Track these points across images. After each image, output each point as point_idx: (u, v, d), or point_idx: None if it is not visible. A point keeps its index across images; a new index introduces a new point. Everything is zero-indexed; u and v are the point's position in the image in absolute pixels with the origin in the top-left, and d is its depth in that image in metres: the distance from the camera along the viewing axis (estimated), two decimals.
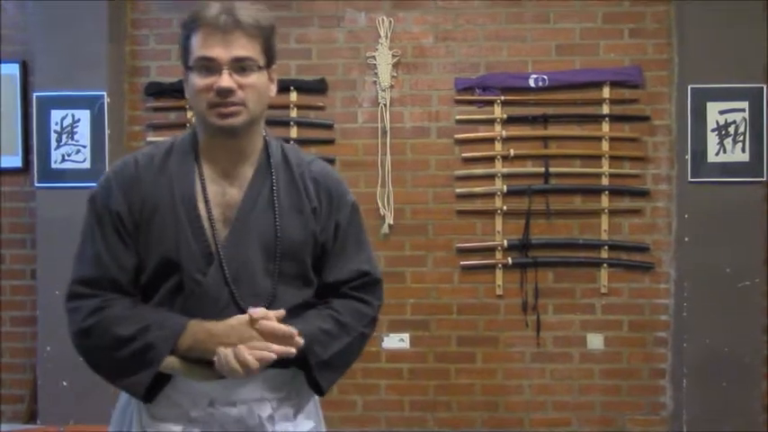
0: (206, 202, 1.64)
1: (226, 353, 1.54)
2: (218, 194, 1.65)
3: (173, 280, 1.62)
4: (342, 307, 1.72)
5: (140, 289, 1.65)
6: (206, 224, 1.62)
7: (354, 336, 1.72)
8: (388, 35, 3.89)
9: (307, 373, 1.68)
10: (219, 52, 1.57)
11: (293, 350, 1.56)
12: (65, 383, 3.73)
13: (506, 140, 3.87)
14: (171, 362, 1.60)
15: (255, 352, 1.54)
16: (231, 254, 1.62)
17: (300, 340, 1.58)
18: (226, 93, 1.57)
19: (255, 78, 1.61)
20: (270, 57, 1.66)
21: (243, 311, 1.60)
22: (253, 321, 1.57)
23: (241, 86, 1.59)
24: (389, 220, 3.85)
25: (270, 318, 1.57)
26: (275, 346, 1.55)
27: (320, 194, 1.72)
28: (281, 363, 1.59)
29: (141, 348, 1.57)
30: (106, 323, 1.59)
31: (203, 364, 1.60)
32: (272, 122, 3.86)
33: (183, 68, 1.66)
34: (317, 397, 1.79)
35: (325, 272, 1.73)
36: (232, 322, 1.58)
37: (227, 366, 1.55)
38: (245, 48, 1.59)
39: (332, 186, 1.75)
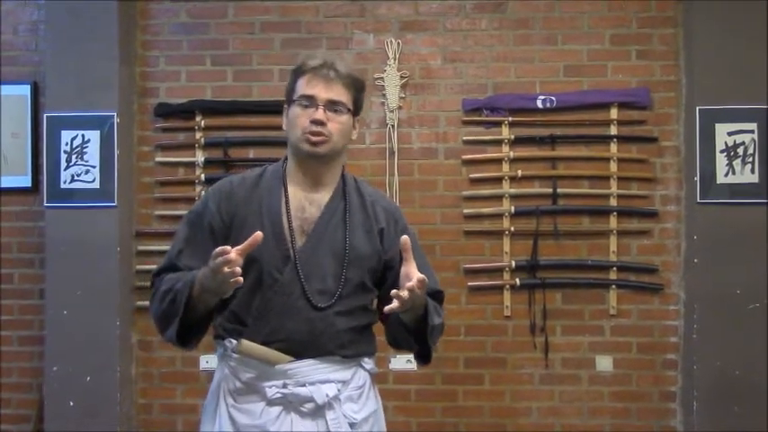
0: (288, 215, 2.00)
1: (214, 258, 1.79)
2: (299, 210, 2.01)
3: (253, 276, 1.94)
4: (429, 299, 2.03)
5: None
6: (286, 233, 1.98)
7: (441, 321, 2.04)
8: (397, 56, 3.91)
9: (417, 339, 2.02)
10: (319, 92, 1.98)
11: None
12: (71, 403, 3.73)
13: (514, 161, 3.87)
14: (249, 347, 1.93)
15: None
16: (305, 258, 1.97)
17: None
18: (318, 123, 1.96)
19: (344, 119, 2.01)
20: (357, 107, 2.07)
21: (312, 304, 1.95)
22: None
23: (331, 121, 1.97)
24: None
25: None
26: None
27: (389, 220, 2.10)
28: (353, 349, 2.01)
29: (172, 297, 1.91)
30: (160, 289, 1.97)
31: (280, 348, 1.93)
32: (283, 143, 3.85)
33: (285, 105, 2.06)
34: (377, 388, 2.14)
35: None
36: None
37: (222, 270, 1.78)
38: (339, 94, 1.99)
39: (398, 217, 2.14)
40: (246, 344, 1.93)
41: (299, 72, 2.03)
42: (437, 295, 2.11)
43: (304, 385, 1.94)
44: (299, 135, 1.99)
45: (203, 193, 2.11)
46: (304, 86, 1.99)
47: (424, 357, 2.10)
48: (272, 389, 1.94)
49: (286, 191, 2.03)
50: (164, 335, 1.97)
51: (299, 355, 1.95)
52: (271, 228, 1.97)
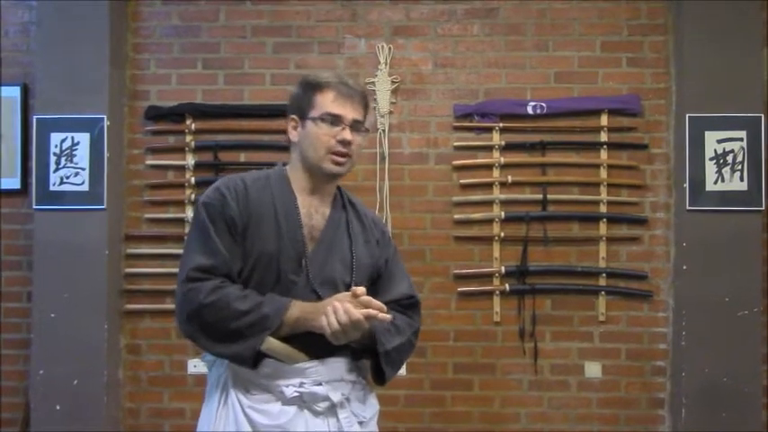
0: (298, 219, 2.04)
1: (335, 307, 1.86)
2: (307, 217, 2.05)
3: (271, 276, 1.98)
4: (395, 314, 2.06)
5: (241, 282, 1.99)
6: (299, 237, 2.01)
7: (405, 338, 2.09)
8: (388, 62, 3.91)
9: (373, 362, 2.07)
10: (346, 112, 2.02)
11: (389, 317, 1.91)
12: (58, 407, 3.70)
13: (504, 167, 3.88)
14: (273, 344, 1.91)
15: (357, 312, 1.87)
16: (317, 263, 2.02)
17: (387, 316, 1.90)
18: (347, 144, 2.01)
19: (360, 139, 2.08)
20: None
21: None
22: (354, 295, 1.89)
23: (353, 142, 2.03)
24: None
25: (365, 294, 1.90)
26: (374, 306, 1.89)
27: (377, 232, 2.19)
28: (354, 351, 2.03)
29: (257, 319, 1.90)
30: (226, 299, 1.91)
31: (296, 347, 1.94)
32: (273, 147, 3.88)
33: (297, 118, 2.07)
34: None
35: (379, 294, 2.07)
36: (336, 297, 1.92)
37: (335, 322, 1.86)
38: (360, 113, 2.06)
39: (383, 228, 2.26)
40: (271, 341, 1.92)
41: (316, 87, 2.04)
42: (409, 299, 2.16)
43: (320, 384, 1.97)
44: (322, 154, 2.02)
45: (202, 191, 2.10)
46: (329, 104, 2.01)
47: (379, 377, 2.11)
48: (290, 388, 1.95)
49: (294, 196, 2.06)
50: (222, 351, 1.93)
51: (315, 355, 1.98)
52: (287, 230, 2.00)
